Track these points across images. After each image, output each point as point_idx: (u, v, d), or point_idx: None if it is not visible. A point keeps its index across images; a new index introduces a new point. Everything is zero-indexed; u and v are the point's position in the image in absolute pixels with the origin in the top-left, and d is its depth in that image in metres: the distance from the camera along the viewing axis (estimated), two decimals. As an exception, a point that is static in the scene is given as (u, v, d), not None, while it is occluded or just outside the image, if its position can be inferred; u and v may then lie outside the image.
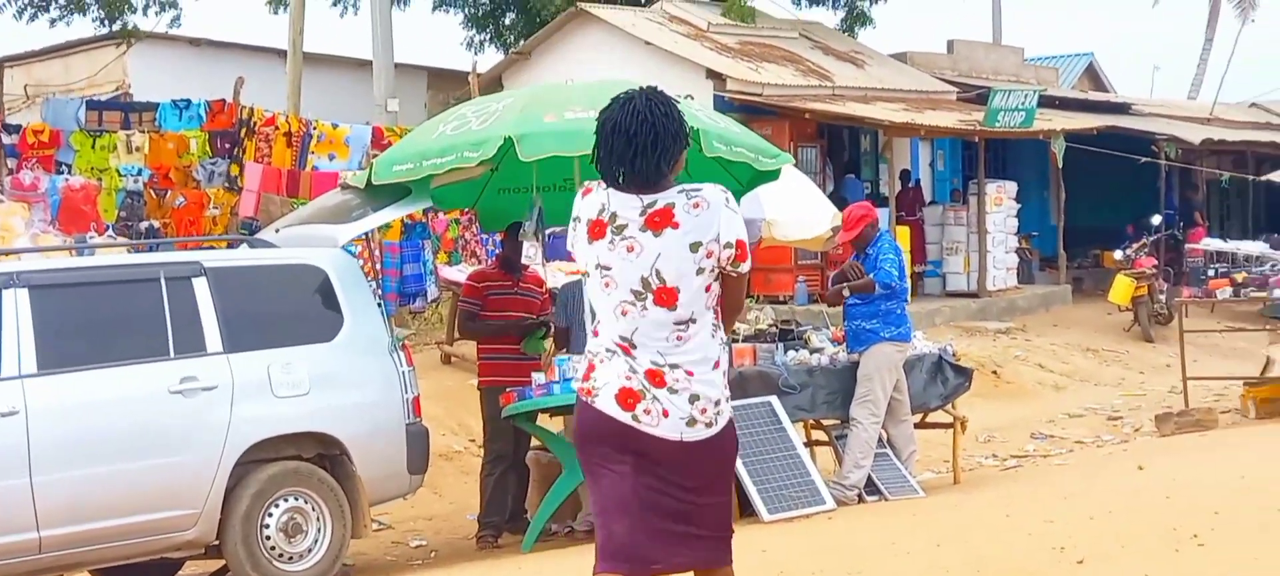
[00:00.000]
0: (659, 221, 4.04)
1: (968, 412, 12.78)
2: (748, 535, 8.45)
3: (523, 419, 9.09)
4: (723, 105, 19.70)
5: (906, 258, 20.14)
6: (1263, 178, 25.83)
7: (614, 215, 4.08)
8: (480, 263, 14.29)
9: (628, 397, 4.04)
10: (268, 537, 7.96)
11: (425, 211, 13.58)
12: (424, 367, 13.54)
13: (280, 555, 7.99)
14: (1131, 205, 25.24)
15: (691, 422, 4.06)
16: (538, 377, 8.92)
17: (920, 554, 7.14)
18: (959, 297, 21.20)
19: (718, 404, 4.10)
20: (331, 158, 14.82)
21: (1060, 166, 22.58)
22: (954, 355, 10.64)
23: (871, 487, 9.68)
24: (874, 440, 9.66)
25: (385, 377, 8.47)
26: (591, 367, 4.14)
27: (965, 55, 26.42)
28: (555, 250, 13.23)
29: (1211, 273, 15.00)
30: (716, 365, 4.12)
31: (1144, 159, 23.51)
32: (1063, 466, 11.79)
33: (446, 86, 24.01)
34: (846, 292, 9.72)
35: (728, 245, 4.07)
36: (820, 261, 19.13)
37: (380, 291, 13.42)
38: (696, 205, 4.05)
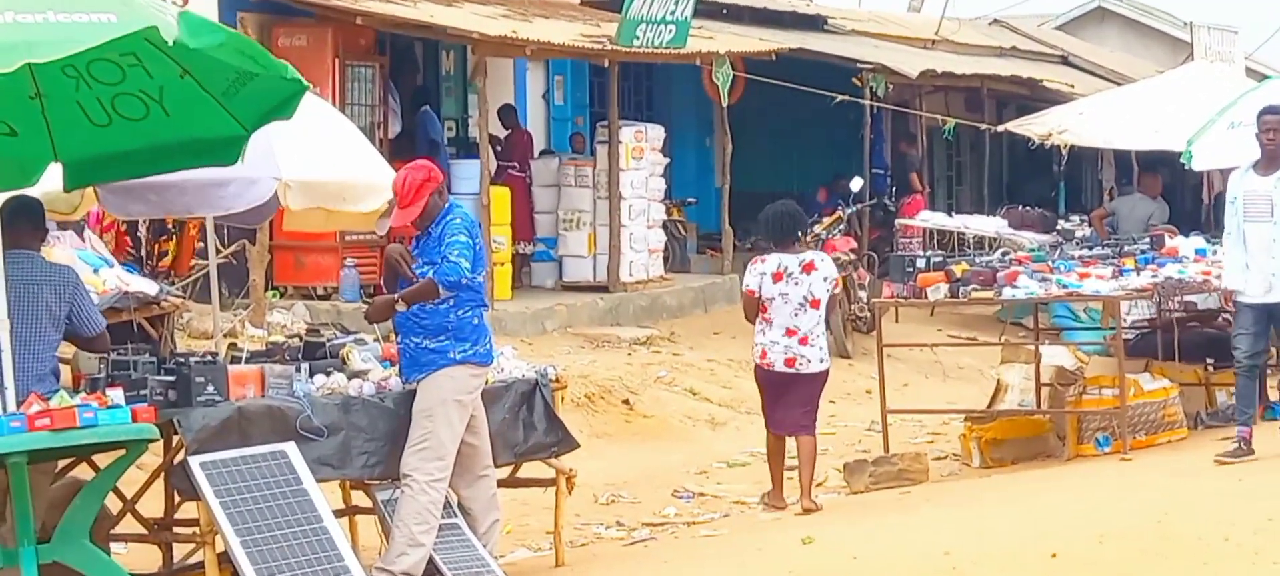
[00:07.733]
0: (808, 269, 12.76)
1: (589, 459, 13.11)
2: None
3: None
4: (237, 2, 19.54)
5: (506, 234, 20.73)
6: (1000, 128, 27.04)
7: (786, 267, 12.71)
8: None
9: (790, 362, 12.71)
10: None
11: None
12: None
13: None
14: (825, 162, 26.34)
15: (820, 361, 12.89)
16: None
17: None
18: (581, 291, 21.72)
19: (823, 348, 12.96)
20: None
21: (726, 104, 23.33)
22: (553, 382, 10.88)
23: (434, 574, 9.84)
24: (437, 504, 9.85)
25: None
26: (764, 353, 12.75)
27: (595, -59, 27.04)
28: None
29: (921, 263, 15.70)
30: (821, 334, 13.03)
31: (842, 96, 24.49)
32: (710, 538, 12.27)
33: None
34: (402, 306, 9.85)
35: (834, 278, 13.40)
36: (382, 239, 19.22)
37: None
38: (822, 260, 13.04)
